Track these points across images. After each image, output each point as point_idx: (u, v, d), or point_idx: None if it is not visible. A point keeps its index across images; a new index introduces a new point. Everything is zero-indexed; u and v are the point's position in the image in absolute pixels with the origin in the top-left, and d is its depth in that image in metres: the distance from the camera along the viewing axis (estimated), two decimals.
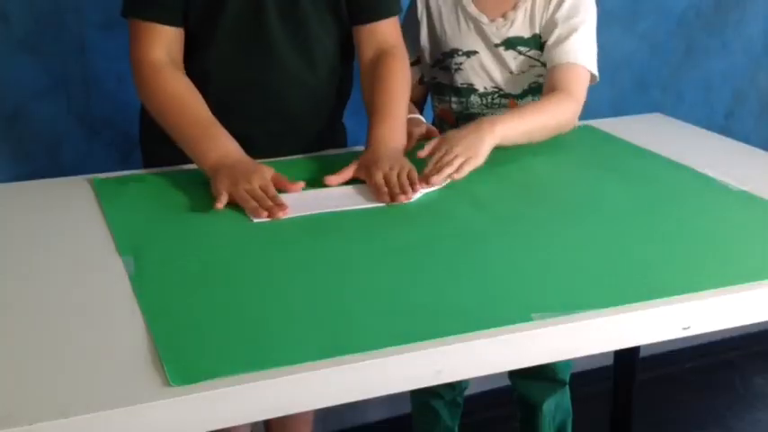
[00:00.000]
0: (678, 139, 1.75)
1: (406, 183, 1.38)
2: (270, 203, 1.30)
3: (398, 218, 1.31)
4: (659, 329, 1.07)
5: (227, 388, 0.88)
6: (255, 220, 1.28)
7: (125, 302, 1.04)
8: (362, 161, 1.45)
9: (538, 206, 1.37)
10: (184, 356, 0.92)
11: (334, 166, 1.46)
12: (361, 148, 1.57)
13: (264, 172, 1.37)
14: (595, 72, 1.66)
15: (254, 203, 1.30)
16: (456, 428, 1.96)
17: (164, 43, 1.46)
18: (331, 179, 1.43)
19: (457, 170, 1.44)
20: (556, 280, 1.12)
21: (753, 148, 1.70)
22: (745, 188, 1.43)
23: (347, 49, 1.61)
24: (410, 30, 1.75)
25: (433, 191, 1.40)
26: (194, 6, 1.46)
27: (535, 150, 1.62)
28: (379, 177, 1.39)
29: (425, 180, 1.41)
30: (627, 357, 1.97)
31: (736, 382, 2.55)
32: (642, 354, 1.97)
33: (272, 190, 1.34)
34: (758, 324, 1.14)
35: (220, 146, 1.41)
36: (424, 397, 1.91)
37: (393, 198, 1.35)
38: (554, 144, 1.64)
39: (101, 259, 1.16)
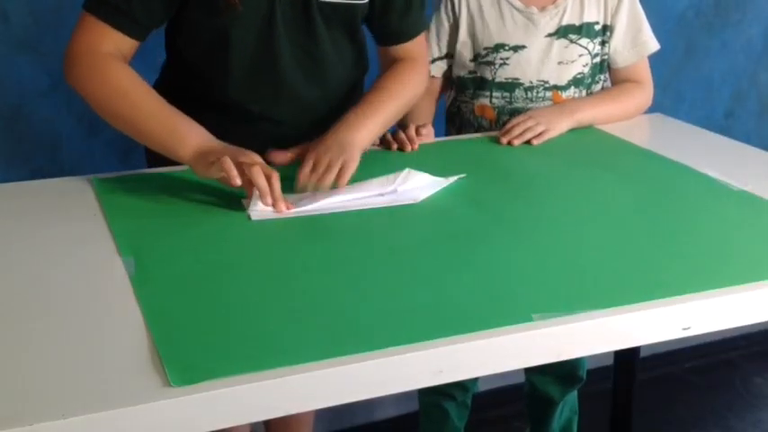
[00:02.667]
0: (678, 139, 1.75)
1: (326, 183, 1.34)
2: (277, 193, 1.27)
3: (398, 218, 1.31)
4: (659, 329, 1.07)
5: (227, 388, 0.88)
6: (254, 218, 1.28)
7: (125, 302, 1.04)
8: (313, 143, 1.41)
9: (538, 206, 1.37)
10: (184, 356, 0.92)
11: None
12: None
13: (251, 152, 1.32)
14: (658, 47, 1.80)
15: (264, 183, 1.26)
16: (462, 430, 1.96)
17: (115, 47, 1.37)
18: (276, 154, 1.41)
19: (537, 136, 1.63)
20: (556, 280, 1.12)
21: (753, 148, 1.70)
22: (745, 188, 1.43)
23: (359, 68, 1.58)
24: (441, 25, 1.75)
25: (442, 189, 1.39)
26: (198, 40, 1.43)
27: (535, 150, 1.62)
28: (307, 168, 1.36)
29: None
30: (627, 357, 1.96)
31: (736, 382, 2.55)
32: (642, 354, 1.97)
33: (269, 168, 1.29)
34: (758, 324, 1.14)
35: (191, 137, 1.32)
36: (434, 398, 1.90)
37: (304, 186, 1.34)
38: (554, 144, 1.65)
39: (101, 259, 1.16)
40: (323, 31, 1.45)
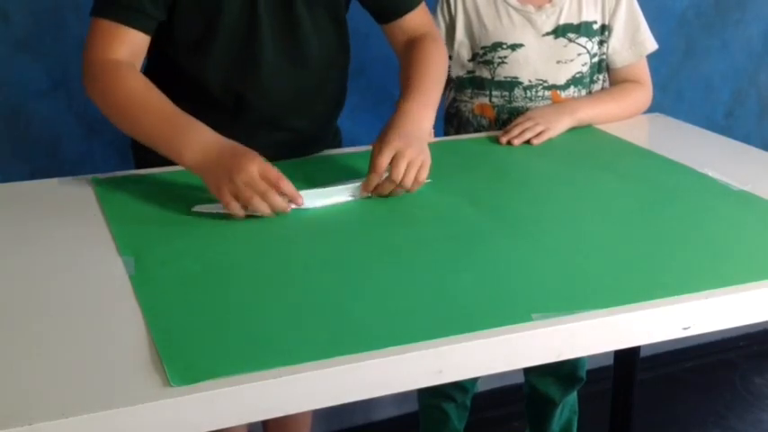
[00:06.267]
0: (678, 139, 1.75)
1: (409, 182, 1.32)
2: (279, 202, 1.26)
3: (398, 218, 1.31)
4: (659, 329, 1.07)
5: (227, 388, 0.88)
6: (196, 209, 1.29)
7: (125, 302, 1.04)
8: (380, 136, 1.36)
9: (538, 206, 1.37)
10: (184, 356, 0.92)
11: (331, 167, 1.46)
12: (358, 148, 1.57)
13: (254, 155, 1.27)
14: (656, 47, 1.81)
15: (266, 209, 1.25)
16: (461, 431, 1.96)
17: (129, 47, 1.37)
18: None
19: (537, 136, 1.63)
20: (556, 280, 1.12)
21: (753, 148, 1.70)
22: (745, 188, 1.43)
23: (344, 56, 1.58)
24: (438, 26, 1.74)
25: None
26: (192, 24, 1.42)
27: (535, 150, 1.62)
28: (383, 161, 1.31)
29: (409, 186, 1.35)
30: (627, 357, 1.96)
31: (736, 382, 2.55)
32: (642, 354, 1.97)
33: (273, 172, 1.26)
34: (758, 324, 1.14)
35: (195, 139, 1.29)
36: (434, 399, 1.90)
37: (380, 192, 1.33)
38: (554, 144, 1.65)
39: (101, 259, 1.16)
40: (303, 11, 1.46)
